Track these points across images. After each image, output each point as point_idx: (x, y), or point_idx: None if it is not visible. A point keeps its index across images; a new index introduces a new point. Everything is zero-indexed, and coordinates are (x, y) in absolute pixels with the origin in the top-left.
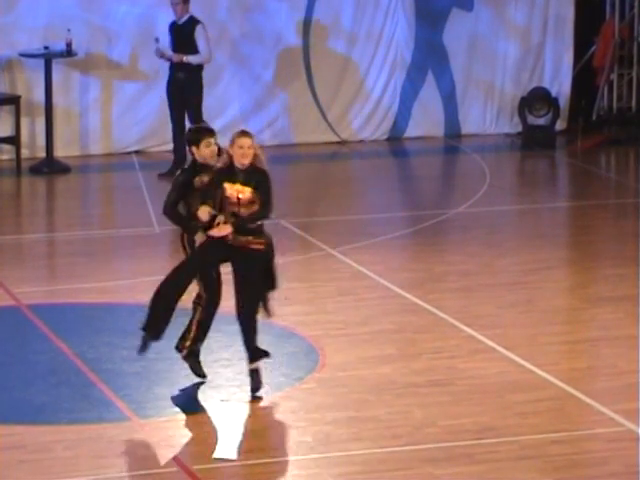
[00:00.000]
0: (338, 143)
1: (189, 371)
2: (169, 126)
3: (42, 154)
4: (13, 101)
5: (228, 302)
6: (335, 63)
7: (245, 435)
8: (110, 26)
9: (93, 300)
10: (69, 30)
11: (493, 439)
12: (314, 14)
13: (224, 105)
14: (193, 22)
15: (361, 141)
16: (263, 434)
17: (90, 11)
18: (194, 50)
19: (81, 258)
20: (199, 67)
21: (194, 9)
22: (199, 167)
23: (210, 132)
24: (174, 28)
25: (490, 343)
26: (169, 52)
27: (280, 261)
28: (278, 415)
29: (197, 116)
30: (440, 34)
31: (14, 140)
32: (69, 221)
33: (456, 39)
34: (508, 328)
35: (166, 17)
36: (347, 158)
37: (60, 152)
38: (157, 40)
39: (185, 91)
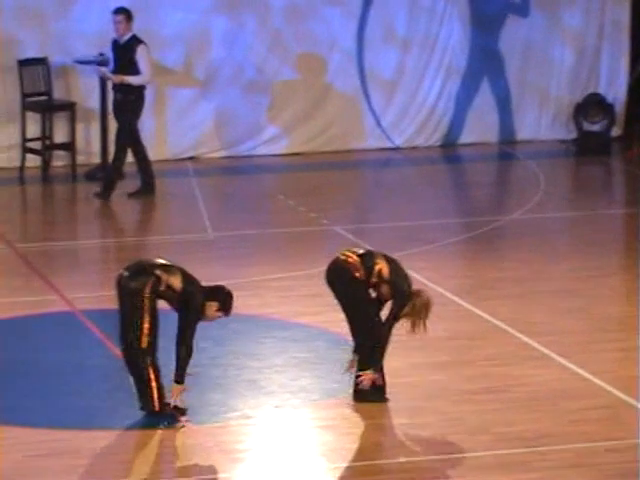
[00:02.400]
0: (392, 149)
1: (243, 377)
2: (224, 132)
3: (97, 160)
4: (69, 107)
5: (277, 308)
6: (389, 69)
7: (297, 441)
8: (165, 32)
9: None
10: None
11: (547, 447)
12: (368, 20)
13: (277, 111)
14: (135, 42)
15: (415, 147)
16: (315, 441)
17: (145, 17)
18: (135, 70)
19: None
20: (140, 88)
21: (247, 15)
22: None
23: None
24: (115, 47)
25: (544, 350)
26: (108, 74)
27: None
28: (331, 422)
29: (125, 137)
30: (495, 40)
31: (69, 146)
32: (123, 227)
33: (511, 45)
34: (562, 335)
35: (221, 23)
36: (401, 164)
37: None
38: (98, 64)
39: (119, 111)
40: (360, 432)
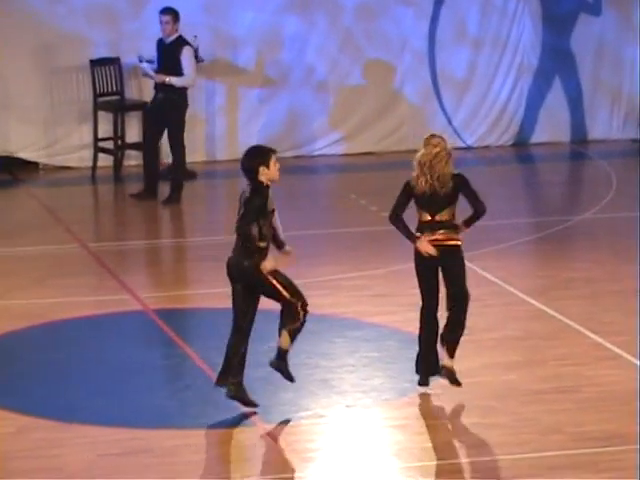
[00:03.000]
0: (464, 149)
1: (315, 377)
2: (296, 131)
3: (168, 160)
4: (140, 107)
5: (350, 308)
6: (461, 68)
7: (369, 441)
8: (236, 32)
9: (219, 305)
10: (196, 36)
11: (619, 447)
12: (440, 19)
13: (348, 111)
14: (180, 43)
15: (487, 147)
16: (387, 440)
17: (216, 17)
18: (179, 71)
19: (208, 263)
20: (182, 89)
21: (319, 14)
22: (265, 189)
23: (274, 150)
24: (162, 46)
25: (617, 350)
26: (151, 72)
27: (402, 267)
28: (402, 421)
29: (176, 138)
30: (567, 39)
31: (141, 146)
32: (195, 226)
33: (583, 44)
34: (635, 335)
35: (292, 23)
36: (473, 164)
37: (186, 158)
38: (141, 60)
39: (164, 112)
40: (432, 432)
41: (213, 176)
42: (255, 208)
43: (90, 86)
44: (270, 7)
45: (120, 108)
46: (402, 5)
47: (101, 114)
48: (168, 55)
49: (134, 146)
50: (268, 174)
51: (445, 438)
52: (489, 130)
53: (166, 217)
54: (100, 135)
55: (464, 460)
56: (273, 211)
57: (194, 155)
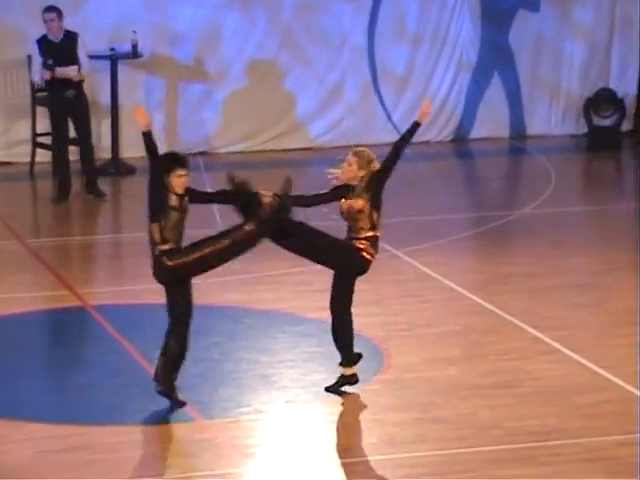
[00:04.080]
0: None
1: (255, 372)
2: (234, 127)
3: (108, 155)
4: None
5: (291, 303)
6: (400, 64)
7: (309, 437)
8: (175, 27)
9: (159, 301)
10: (135, 32)
11: (559, 441)
12: (379, 15)
13: (289, 106)
14: (72, 37)
15: (426, 142)
16: (327, 436)
17: (155, 12)
18: (76, 64)
19: (147, 259)
20: (82, 82)
21: (259, 10)
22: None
23: (184, 162)
24: (52, 45)
25: (556, 345)
26: (71, 72)
27: None
28: (343, 417)
29: (89, 132)
30: (506, 35)
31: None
32: (135, 222)
33: (522, 40)
34: (574, 330)
35: (232, 19)
36: (412, 159)
37: (126, 153)
38: (51, 65)
39: (82, 107)
40: (372, 427)
41: None
42: (154, 205)
43: (28, 81)
44: (210, 2)
45: None
46: (341, 1)
47: (39, 109)
48: (64, 52)
49: (73, 142)
50: (170, 183)
51: (385, 433)
52: (428, 126)
53: (105, 213)
54: (38, 130)
55: (404, 455)
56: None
57: (133, 150)
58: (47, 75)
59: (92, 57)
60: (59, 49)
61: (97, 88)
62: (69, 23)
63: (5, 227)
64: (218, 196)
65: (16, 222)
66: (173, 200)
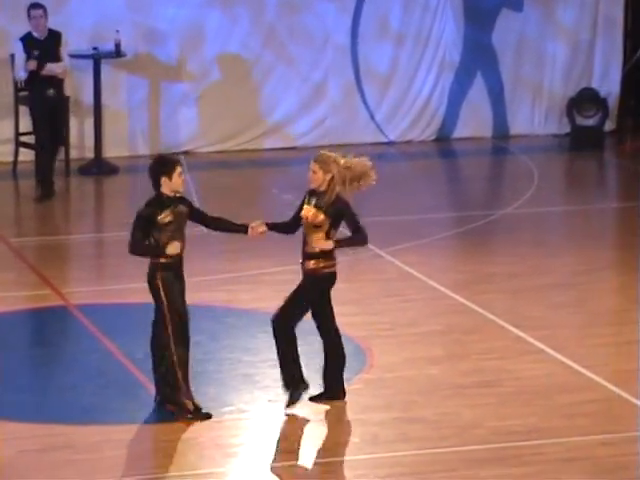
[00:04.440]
0: (386, 144)
1: (237, 372)
2: (217, 126)
3: (91, 155)
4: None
5: (272, 302)
6: (383, 63)
7: (292, 436)
8: (158, 27)
9: (141, 300)
10: (118, 31)
11: (540, 440)
12: (362, 14)
13: (272, 106)
14: (56, 34)
15: (409, 142)
16: (310, 435)
17: (138, 12)
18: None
19: (129, 258)
20: (63, 81)
21: (242, 9)
22: (166, 200)
23: (178, 161)
24: (37, 43)
25: (538, 344)
26: (57, 69)
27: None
28: (325, 416)
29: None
30: (489, 35)
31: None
32: (118, 221)
33: (505, 40)
34: (556, 329)
35: (215, 18)
36: (395, 159)
37: (108, 153)
38: (39, 57)
39: (62, 106)
40: (354, 426)
41: (135, 170)
42: (141, 220)
43: (11, 81)
44: (192, 2)
45: None
46: (325, 0)
47: (22, 109)
48: (48, 50)
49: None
50: (170, 185)
51: (367, 433)
52: (411, 125)
53: (88, 212)
54: (21, 130)
55: (386, 455)
56: (170, 223)
57: (116, 150)
58: (32, 65)
59: (75, 56)
60: (44, 47)
61: (80, 87)
62: (52, 22)
63: None
64: (215, 222)
65: None
66: (166, 215)
